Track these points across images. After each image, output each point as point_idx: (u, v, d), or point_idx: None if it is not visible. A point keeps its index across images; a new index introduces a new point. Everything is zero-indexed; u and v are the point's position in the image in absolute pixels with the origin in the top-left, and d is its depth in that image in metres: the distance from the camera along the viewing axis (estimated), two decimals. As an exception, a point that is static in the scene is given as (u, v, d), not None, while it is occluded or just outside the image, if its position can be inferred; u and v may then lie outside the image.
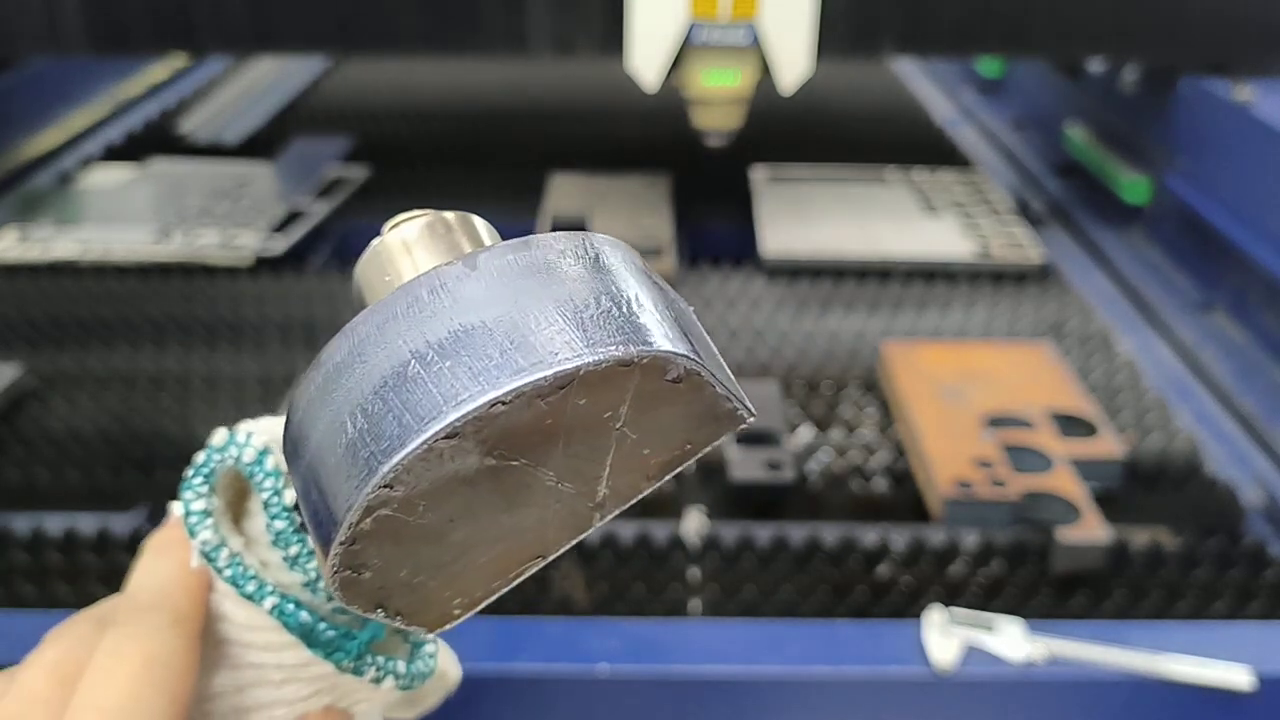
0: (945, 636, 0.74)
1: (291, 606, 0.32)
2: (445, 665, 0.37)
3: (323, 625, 0.32)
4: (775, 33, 1.23)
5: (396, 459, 0.25)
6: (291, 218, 1.46)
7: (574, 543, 0.29)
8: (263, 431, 0.33)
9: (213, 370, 1.14)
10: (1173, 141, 1.47)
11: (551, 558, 0.29)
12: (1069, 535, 0.86)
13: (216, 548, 0.32)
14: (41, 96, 1.81)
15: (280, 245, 1.38)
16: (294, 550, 0.32)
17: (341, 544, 0.26)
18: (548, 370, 0.25)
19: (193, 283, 1.33)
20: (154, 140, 1.79)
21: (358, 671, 0.33)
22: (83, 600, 0.82)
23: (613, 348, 0.25)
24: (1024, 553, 0.88)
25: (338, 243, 1.48)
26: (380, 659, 0.33)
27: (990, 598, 0.84)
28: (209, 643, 0.33)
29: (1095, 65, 1.69)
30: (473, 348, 0.25)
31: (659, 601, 0.83)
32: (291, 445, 0.28)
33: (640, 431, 0.27)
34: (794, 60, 1.25)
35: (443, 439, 0.25)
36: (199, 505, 0.32)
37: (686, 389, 0.27)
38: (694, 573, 0.86)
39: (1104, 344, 1.22)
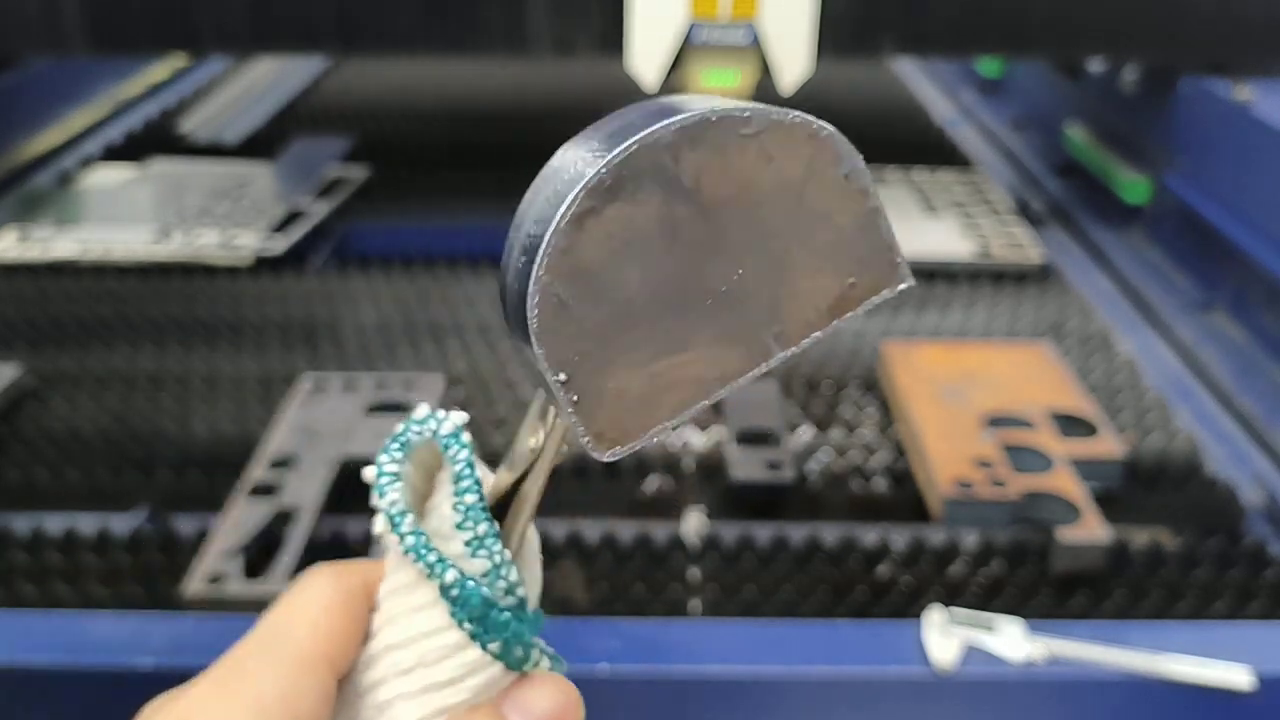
0: (945, 636, 0.74)
1: (471, 583, 0.31)
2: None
3: (499, 607, 0.32)
4: (775, 33, 1.23)
5: (612, 155, 0.27)
6: (291, 218, 1.46)
7: (751, 376, 0.30)
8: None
9: (213, 370, 1.14)
10: (1173, 141, 1.47)
11: (726, 391, 0.30)
12: (1069, 535, 0.86)
13: (402, 512, 0.31)
14: (42, 96, 1.81)
15: (280, 245, 1.38)
16: (482, 529, 0.31)
17: (548, 251, 0.27)
18: (745, 108, 0.28)
19: (193, 283, 1.33)
20: (154, 140, 1.79)
21: (525, 658, 0.33)
22: (83, 600, 0.82)
23: (801, 115, 0.29)
24: (1024, 553, 0.88)
25: (338, 242, 1.48)
26: (543, 643, 0.33)
27: (990, 598, 0.84)
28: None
29: (1095, 65, 1.69)
30: (683, 108, 0.28)
31: (659, 601, 0.83)
32: (519, 215, 0.30)
33: (811, 243, 0.29)
34: (794, 60, 1.25)
35: (650, 146, 0.27)
36: (391, 468, 0.32)
37: (855, 197, 0.29)
38: (694, 573, 0.86)
39: (1104, 344, 1.22)
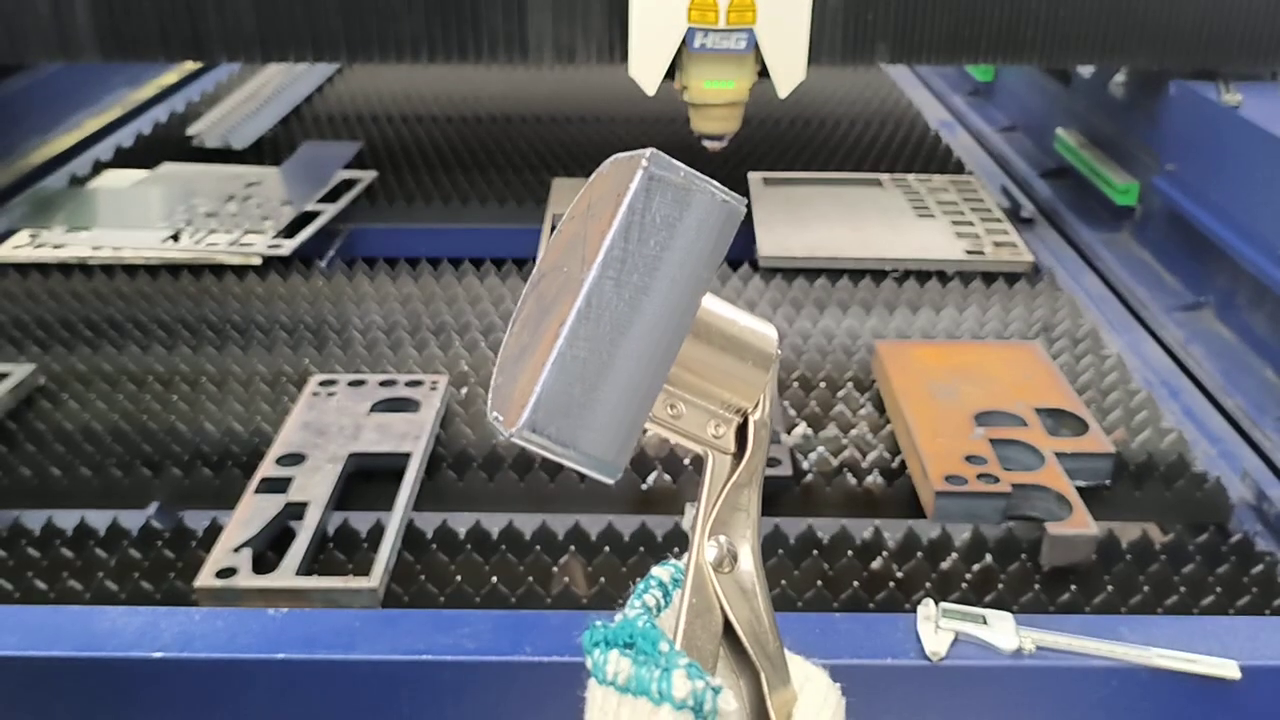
0: (938, 629, 0.75)
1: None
2: None
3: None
4: (772, 39, 1.25)
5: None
6: (299, 220, 1.48)
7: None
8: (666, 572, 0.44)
9: (222, 369, 1.16)
10: (1161, 144, 1.49)
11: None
12: (1059, 530, 0.87)
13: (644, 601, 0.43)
14: (53, 100, 1.83)
15: (288, 247, 1.40)
16: (637, 604, 0.43)
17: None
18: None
19: (202, 283, 1.34)
20: (164, 144, 1.81)
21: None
22: (94, 596, 0.84)
23: None
24: (1015, 547, 0.90)
25: (344, 244, 1.49)
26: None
27: (982, 592, 0.86)
28: None
29: (1085, 70, 1.71)
30: None
31: (659, 594, 0.84)
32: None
33: None
34: (790, 66, 1.27)
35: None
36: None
37: None
38: (693, 566, 0.88)
39: (1094, 343, 1.23)
